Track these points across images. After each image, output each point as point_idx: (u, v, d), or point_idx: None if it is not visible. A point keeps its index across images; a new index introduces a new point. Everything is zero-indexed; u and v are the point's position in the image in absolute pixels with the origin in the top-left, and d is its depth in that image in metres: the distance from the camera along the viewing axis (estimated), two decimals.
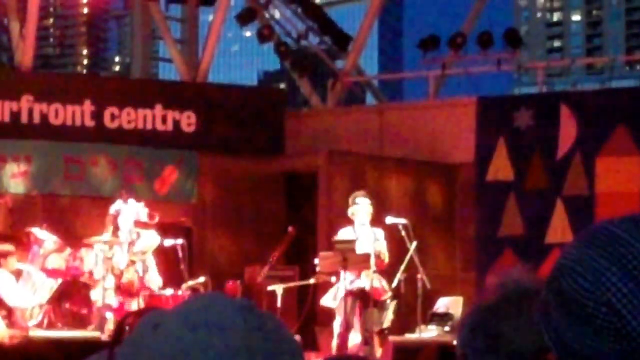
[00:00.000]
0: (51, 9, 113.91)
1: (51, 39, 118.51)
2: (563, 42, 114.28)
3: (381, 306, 10.90)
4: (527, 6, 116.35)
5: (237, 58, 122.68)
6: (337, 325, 10.91)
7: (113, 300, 11.80)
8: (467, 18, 17.70)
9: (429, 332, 11.78)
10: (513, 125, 14.19)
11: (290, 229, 11.92)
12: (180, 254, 12.02)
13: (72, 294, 12.03)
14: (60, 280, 12.00)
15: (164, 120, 15.27)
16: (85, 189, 14.62)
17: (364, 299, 10.84)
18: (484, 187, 14.33)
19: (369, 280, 10.81)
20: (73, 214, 14.36)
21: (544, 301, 1.29)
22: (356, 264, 10.77)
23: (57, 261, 12.19)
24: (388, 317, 10.92)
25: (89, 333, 11.53)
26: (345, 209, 11.45)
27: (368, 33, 18.59)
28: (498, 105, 14.86)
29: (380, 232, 11.03)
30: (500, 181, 14.15)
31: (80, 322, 11.88)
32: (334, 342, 10.91)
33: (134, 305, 11.74)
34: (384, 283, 10.98)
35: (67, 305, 11.95)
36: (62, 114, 14.88)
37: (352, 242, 10.89)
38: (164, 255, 12.35)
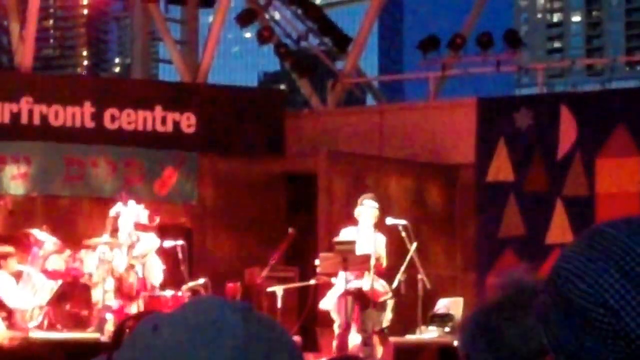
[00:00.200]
0: (51, 10, 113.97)
1: (51, 41, 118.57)
2: (563, 43, 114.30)
3: (380, 307, 10.89)
4: (527, 7, 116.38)
5: (237, 59, 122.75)
6: (337, 326, 10.91)
7: (113, 302, 11.79)
8: (467, 19, 17.70)
9: (429, 333, 11.78)
10: (513, 126, 14.20)
11: (290, 230, 11.92)
12: (181, 255, 12.02)
13: (72, 295, 12.03)
14: (60, 282, 11.99)
15: (164, 121, 15.27)
16: (85, 190, 14.62)
17: (362, 300, 10.83)
18: (484, 187, 14.33)
19: (368, 281, 10.81)
20: (73, 215, 14.36)
21: (542, 304, 1.29)
22: (356, 264, 10.77)
23: (57, 262, 12.19)
24: (387, 317, 10.92)
25: (88, 334, 11.53)
26: (345, 210, 11.44)
27: (368, 34, 18.58)
28: (498, 106, 14.86)
29: (381, 238, 11.02)
30: (501, 182, 14.15)
31: (80, 323, 11.88)
32: (335, 343, 10.90)
33: (134, 307, 11.73)
34: (384, 284, 10.97)
35: (67, 307, 11.95)
36: (62, 115, 14.87)
37: (352, 243, 10.89)
38: (164, 257, 12.34)
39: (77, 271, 12.14)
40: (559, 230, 13.50)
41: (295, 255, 13.19)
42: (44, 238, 12.33)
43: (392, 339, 11.28)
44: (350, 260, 10.66)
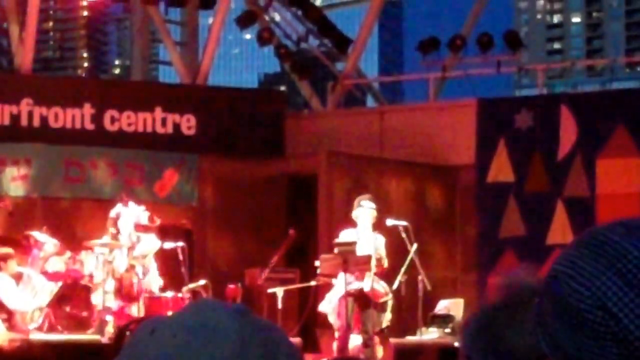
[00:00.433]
0: (51, 12, 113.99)
1: (51, 42, 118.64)
2: (563, 44, 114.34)
3: (380, 308, 10.89)
4: (527, 8, 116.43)
5: (237, 61, 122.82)
6: (335, 326, 10.90)
7: (113, 303, 11.79)
8: (467, 20, 17.71)
9: (429, 334, 11.78)
10: (513, 126, 14.20)
11: (290, 231, 11.92)
12: (181, 257, 12.01)
13: (72, 297, 12.02)
14: (60, 284, 11.99)
15: (164, 123, 15.27)
16: (86, 192, 14.62)
17: (362, 301, 10.83)
18: (484, 188, 14.33)
19: (368, 282, 10.81)
20: (73, 217, 14.36)
21: (539, 307, 1.29)
22: (357, 265, 10.77)
23: (57, 264, 12.18)
24: (386, 317, 10.91)
25: (89, 336, 11.53)
26: (346, 211, 11.43)
27: (368, 35, 18.59)
28: (498, 107, 14.87)
29: (381, 238, 11.02)
30: (501, 183, 14.15)
31: (81, 325, 11.87)
32: (335, 344, 10.90)
33: (134, 308, 11.73)
34: (384, 285, 10.97)
35: (67, 309, 11.94)
36: (62, 117, 14.87)
37: (352, 244, 10.88)
38: (164, 258, 12.34)
39: (77, 273, 12.14)
40: (560, 230, 13.49)
41: (296, 256, 13.18)
42: (44, 240, 12.33)
43: (393, 340, 11.27)
44: (350, 261, 10.66)
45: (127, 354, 1.26)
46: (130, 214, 12.36)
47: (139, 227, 12.26)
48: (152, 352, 1.22)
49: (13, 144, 14.49)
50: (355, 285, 10.83)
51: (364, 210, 11.08)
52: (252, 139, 15.50)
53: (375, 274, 10.82)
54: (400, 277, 11.03)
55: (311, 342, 12.34)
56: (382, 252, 10.92)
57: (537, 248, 13.20)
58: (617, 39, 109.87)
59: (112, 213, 12.42)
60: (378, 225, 11.22)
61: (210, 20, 17.93)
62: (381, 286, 10.91)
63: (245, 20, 17.99)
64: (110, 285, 11.84)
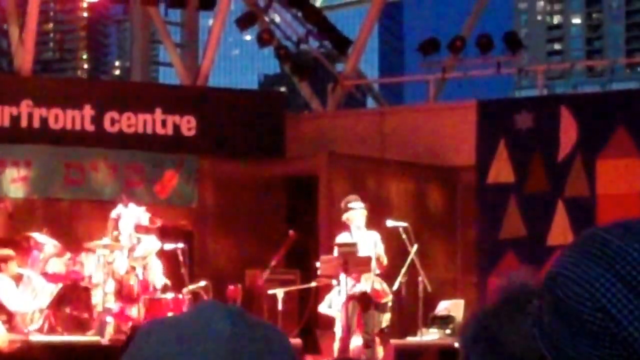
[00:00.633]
0: (51, 14, 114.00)
1: (51, 44, 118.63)
2: (563, 44, 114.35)
3: (381, 308, 10.89)
4: (527, 9, 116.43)
5: (237, 62, 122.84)
6: (338, 328, 10.90)
7: (113, 305, 11.78)
8: (467, 21, 17.71)
9: (430, 335, 11.77)
10: (513, 127, 14.19)
11: (291, 232, 11.91)
12: (181, 258, 12.01)
13: (72, 298, 12.01)
14: (60, 285, 11.98)
15: (164, 124, 15.27)
16: (86, 193, 14.62)
17: (364, 302, 10.83)
18: (484, 189, 14.32)
19: (369, 283, 10.80)
20: (73, 218, 14.36)
21: (538, 309, 1.28)
22: (357, 267, 10.76)
23: (57, 266, 12.18)
24: (386, 317, 10.91)
25: (89, 337, 11.52)
26: None
27: (368, 36, 18.59)
28: (498, 108, 14.86)
29: (377, 235, 11.02)
30: (501, 184, 14.14)
31: (81, 326, 11.86)
32: (336, 346, 10.90)
33: (134, 310, 11.73)
34: (385, 286, 10.97)
35: (67, 310, 11.93)
36: (61, 118, 14.87)
37: (353, 245, 10.88)
38: (164, 259, 12.33)
39: (78, 274, 12.13)
40: (560, 231, 13.49)
41: (296, 257, 13.18)
42: (44, 241, 12.33)
43: (393, 341, 11.27)
44: (351, 262, 10.66)
45: (127, 355, 1.29)
46: (130, 215, 12.36)
47: (140, 229, 12.26)
48: (146, 353, 1.24)
49: (13, 145, 14.49)
50: (357, 288, 10.83)
51: (356, 211, 11.08)
52: (253, 140, 15.50)
53: (376, 274, 10.82)
54: (400, 278, 11.03)
55: (312, 344, 12.33)
56: (381, 249, 10.91)
57: (538, 249, 13.19)
58: (617, 40, 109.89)
59: (113, 214, 12.42)
60: (378, 226, 11.22)
61: (210, 22, 17.93)
62: (382, 287, 10.91)
63: (245, 21, 17.99)
64: (111, 286, 11.83)
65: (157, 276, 12.14)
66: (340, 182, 14.30)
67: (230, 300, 11.98)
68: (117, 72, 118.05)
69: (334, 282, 11.01)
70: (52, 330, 11.72)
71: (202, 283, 11.95)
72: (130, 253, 12.11)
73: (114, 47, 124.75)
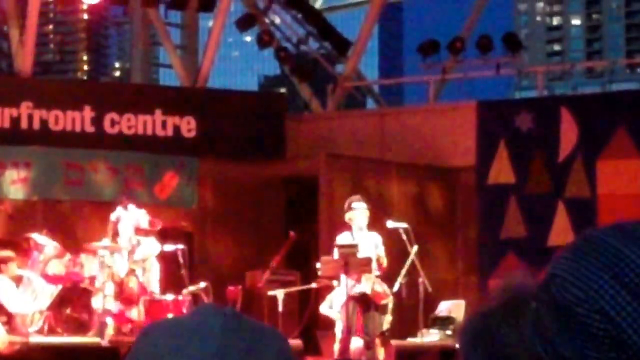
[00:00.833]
0: (51, 15, 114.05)
1: (51, 45, 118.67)
2: (563, 45, 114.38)
3: (382, 310, 10.87)
4: (527, 10, 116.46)
5: (237, 63, 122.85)
6: (338, 329, 10.89)
7: (113, 306, 11.78)
8: (467, 22, 17.71)
9: (430, 336, 11.78)
10: (514, 128, 14.20)
11: (291, 233, 11.91)
12: (181, 259, 12.01)
13: (72, 299, 12.01)
14: (60, 286, 11.98)
15: (164, 125, 15.27)
16: (86, 194, 14.61)
17: (364, 303, 10.82)
18: (485, 190, 14.32)
19: (369, 284, 10.79)
20: (73, 219, 14.35)
21: (536, 310, 1.28)
22: (358, 268, 10.75)
23: (57, 267, 12.18)
24: (387, 319, 10.90)
25: (89, 339, 11.52)
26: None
27: (368, 38, 18.59)
28: (498, 109, 14.87)
29: (378, 237, 10.99)
30: (502, 184, 14.15)
31: (81, 328, 11.87)
32: (336, 347, 10.89)
33: (134, 312, 11.72)
34: (385, 287, 10.96)
35: (67, 311, 11.93)
36: (62, 120, 14.87)
37: (354, 246, 10.87)
38: (164, 261, 12.33)
39: (78, 276, 12.13)
40: (561, 232, 13.48)
41: (296, 258, 13.18)
42: (44, 242, 12.33)
43: (394, 342, 11.27)
44: (351, 263, 10.65)
45: (127, 356, 1.32)
46: (130, 218, 12.36)
47: (139, 231, 12.26)
48: (142, 354, 1.28)
49: (13, 147, 14.49)
50: (358, 289, 10.82)
51: (358, 211, 11.05)
52: (252, 141, 15.50)
53: (376, 276, 10.81)
54: (400, 279, 11.02)
55: (312, 345, 12.33)
56: (381, 250, 10.90)
57: (538, 249, 13.19)
58: (616, 41, 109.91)
59: (113, 217, 12.42)
60: (378, 227, 11.21)
61: (210, 23, 17.94)
62: (382, 288, 10.90)
63: (245, 22, 17.99)
64: (110, 288, 11.83)
65: (154, 281, 12.14)
66: (340, 183, 14.30)
67: (231, 302, 11.97)
68: (117, 73, 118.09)
69: (335, 283, 11.01)
70: (52, 331, 11.72)
71: (202, 284, 11.95)
72: (130, 255, 12.11)
73: (114, 48, 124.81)
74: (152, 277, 12.12)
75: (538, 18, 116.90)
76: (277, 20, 18.88)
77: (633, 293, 1.19)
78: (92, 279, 12.09)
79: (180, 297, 11.69)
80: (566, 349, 1.22)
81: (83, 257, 12.25)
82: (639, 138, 13.52)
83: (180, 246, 12.16)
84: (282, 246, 12.01)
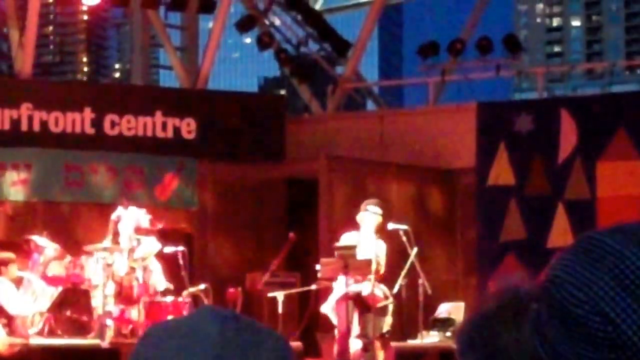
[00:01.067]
0: (51, 17, 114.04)
1: (51, 47, 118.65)
2: (563, 47, 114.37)
3: (381, 312, 10.86)
4: (527, 12, 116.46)
5: (237, 65, 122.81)
6: (336, 330, 10.89)
7: (113, 307, 11.78)
8: (467, 24, 17.72)
9: (430, 338, 11.77)
10: (513, 130, 14.19)
11: (291, 235, 11.90)
12: (181, 261, 12.00)
13: (72, 301, 12.01)
14: (60, 288, 11.98)
15: (164, 127, 15.27)
16: (86, 196, 14.61)
17: (361, 305, 10.81)
18: (484, 192, 14.32)
19: (370, 285, 10.78)
20: (73, 221, 14.35)
21: (536, 312, 1.28)
22: (357, 269, 10.75)
23: (57, 269, 12.18)
24: (387, 321, 10.89)
25: (89, 341, 11.52)
26: (346, 215, 11.42)
27: (368, 39, 18.60)
28: (498, 111, 14.86)
29: (382, 245, 10.94)
30: (501, 186, 14.14)
31: (81, 329, 11.87)
32: (335, 348, 10.88)
33: (134, 312, 11.72)
34: (385, 289, 10.95)
35: (67, 313, 11.93)
36: (62, 121, 14.88)
37: (353, 248, 10.86)
38: (164, 262, 12.33)
39: (78, 277, 12.13)
40: (560, 234, 13.48)
41: (296, 260, 13.18)
42: (45, 244, 12.33)
43: (394, 344, 11.27)
44: (351, 265, 10.65)
45: (129, 359, 1.33)
46: (130, 217, 12.36)
47: (140, 230, 12.26)
48: (141, 356, 1.29)
49: (13, 148, 14.49)
50: (354, 288, 10.81)
51: (369, 214, 11.05)
52: (252, 143, 15.50)
53: (375, 278, 10.80)
54: (400, 281, 11.02)
55: (312, 347, 12.33)
56: (382, 259, 10.87)
57: (538, 251, 13.18)
58: (616, 42, 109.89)
59: (113, 216, 12.42)
60: (380, 231, 11.19)
61: (210, 25, 17.94)
62: (381, 291, 10.89)
63: (245, 24, 17.99)
64: (111, 288, 11.82)
65: (158, 279, 12.13)
66: (340, 185, 14.30)
67: (231, 303, 11.98)
68: (117, 75, 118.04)
69: (334, 284, 11.00)
70: (52, 333, 11.72)
71: (202, 286, 11.95)
72: (130, 255, 12.11)
73: (114, 50, 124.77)
74: (155, 276, 12.11)
75: (538, 19, 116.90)
76: (277, 22, 18.89)
77: (634, 295, 1.19)
78: (92, 281, 12.09)
79: (180, 299, 11.69)
80: (566, 350, 1.23)
81: (83, 259, 12.25)
82: (638, 140, 13.52)
83: (181, 248, 12.16)
84: (282, 248, 12.00)
